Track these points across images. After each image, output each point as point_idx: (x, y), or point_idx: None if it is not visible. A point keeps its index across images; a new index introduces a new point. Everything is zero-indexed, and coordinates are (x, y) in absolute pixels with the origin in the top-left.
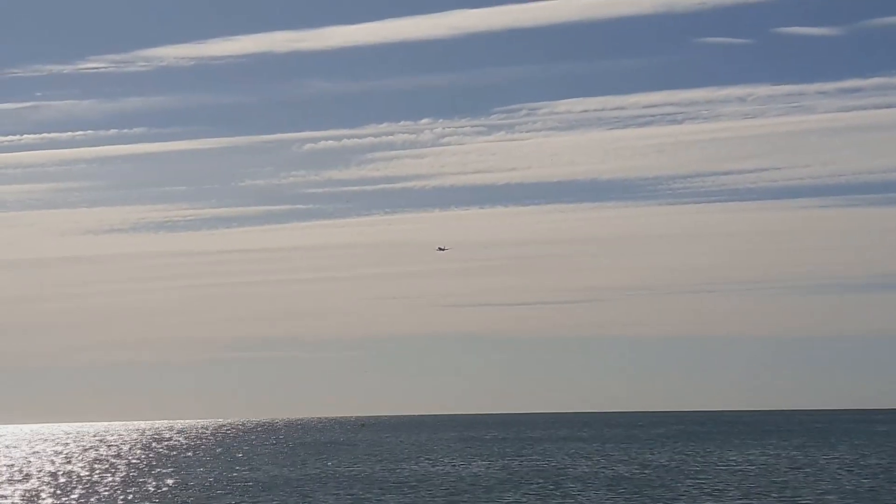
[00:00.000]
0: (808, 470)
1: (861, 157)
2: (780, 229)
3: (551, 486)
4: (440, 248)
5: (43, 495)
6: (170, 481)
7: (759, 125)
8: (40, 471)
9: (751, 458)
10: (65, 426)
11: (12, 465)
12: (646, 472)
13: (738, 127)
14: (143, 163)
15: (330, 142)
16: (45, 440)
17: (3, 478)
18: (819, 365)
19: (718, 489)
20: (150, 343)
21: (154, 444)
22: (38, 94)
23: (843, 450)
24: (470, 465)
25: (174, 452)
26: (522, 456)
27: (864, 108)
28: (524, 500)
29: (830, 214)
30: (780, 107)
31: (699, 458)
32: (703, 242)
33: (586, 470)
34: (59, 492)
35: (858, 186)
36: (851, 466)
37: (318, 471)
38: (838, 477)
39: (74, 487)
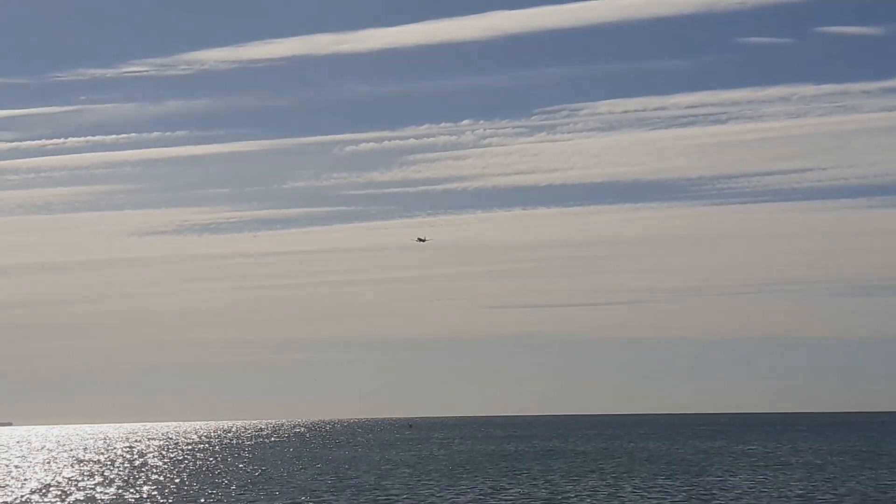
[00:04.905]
0: None
1: None
2: (824, 229)
3: None
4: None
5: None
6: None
7: (803, 125)
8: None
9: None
10: (110, 426)
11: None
12: None
13: (782, 127)
14: (185, 165)
15: (371, 144)
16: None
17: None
18: (867, 366)
19: None
20: (193, 344)
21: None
22: (83, 97)
23: None
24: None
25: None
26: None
27: None
28: None
29: (875, 214)
30: (823, 106)
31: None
32: (748, 242)
33: None
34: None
35: None
36: None
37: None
38: None
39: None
